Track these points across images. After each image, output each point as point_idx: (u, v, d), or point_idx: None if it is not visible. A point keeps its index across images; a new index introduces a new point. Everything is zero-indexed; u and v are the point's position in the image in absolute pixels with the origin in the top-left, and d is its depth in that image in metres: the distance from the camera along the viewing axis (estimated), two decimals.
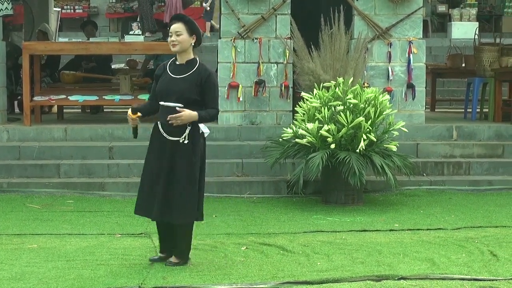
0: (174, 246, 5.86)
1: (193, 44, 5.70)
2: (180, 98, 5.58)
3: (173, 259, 5.83)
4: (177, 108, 5.56)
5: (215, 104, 5.73)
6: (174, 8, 17.70)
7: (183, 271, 5.71)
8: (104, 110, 12.98)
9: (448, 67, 12.91)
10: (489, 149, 9.72)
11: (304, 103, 8.32)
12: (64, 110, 11.65)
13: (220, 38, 9.89)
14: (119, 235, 6.89)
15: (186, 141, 5.61)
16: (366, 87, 8.72)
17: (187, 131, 5.61)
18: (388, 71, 9.85)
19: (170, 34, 5.67)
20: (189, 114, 5.56)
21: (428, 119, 10.31)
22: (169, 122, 5.56)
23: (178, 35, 5.63)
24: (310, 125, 8.03)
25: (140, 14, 18.28)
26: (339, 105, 8.08)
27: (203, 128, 5.72)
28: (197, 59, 5.74)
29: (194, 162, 5.66)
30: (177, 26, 5.66)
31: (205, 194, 8.63)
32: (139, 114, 5.78)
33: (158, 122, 5.72)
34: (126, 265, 5.85)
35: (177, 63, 5.74)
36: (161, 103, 5.65)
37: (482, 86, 11.51)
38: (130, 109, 5.78)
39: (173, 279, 5.50)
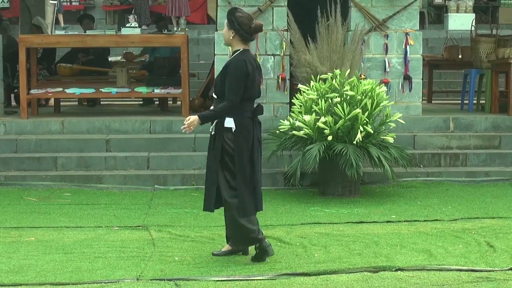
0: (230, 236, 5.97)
1: (232, 37, 5.74)
2: (216, 90, 5.80)
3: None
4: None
5: (228, 95, 5.64)
6: (178, 1, 17.70)
7: (181, 263, 5.73)
8: (101, 102, 12.99)
9: (445, 58, 12.91)
10: (486, 141, 9.73)
11: (301, 95, 8.32)
12: (61, 103, 11.63)
13: (216, 30, 9.88)
14: (117, 228, 6.90)
15: (213, 133, 5.79)
16: (363, 79, 8.72)
17: (213, 124, 5.78)
18: (385, 63, 9.84)
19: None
20: (194, 120, 5.70)
21: (425, 110, 10.31)
22: (181, 128, 5.78)
23: (222, 29, 5.88)
24: (307, 117, 8.03)
25: (135, 7, 18.27)
26: (336, 97, 8.09)
27: (227, 123, 5.71)
28: (240, 50, 5.74)
29: (213, 153, 5.78)
30: (224, 21, 5.85)
31: (203, 187, 8.69)
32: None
33: None
34: (124, 258, 5.86)
35: None
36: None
37: (479, 78, 11.51)
38: None
39: (171, 271, 5.51)
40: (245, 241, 5.85)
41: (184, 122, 5.72)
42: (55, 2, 14.75)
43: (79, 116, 10.33)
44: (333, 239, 6.46)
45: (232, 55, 5.80)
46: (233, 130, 5.70)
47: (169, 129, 9.74)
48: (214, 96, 5.81)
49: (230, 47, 5.97)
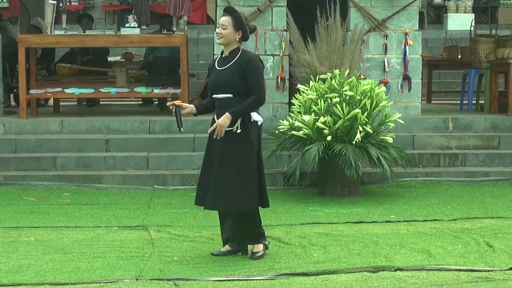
0: (243, 236, 5.90)
1: (238, 39, 5.76)
2: (226, 89, 5.70)
3: (255, 248, 5.88)
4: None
5: (256, 89, 5.70)
6: (181, 0, 17.68)
7: (180, 263, 5.72)
8: (101, 102, 12.99)
9: (444, 58, 12.92)
10: (485, 141, 9.73)
11: (300, 95, 8.32)
12: (60, 103, 11.64)
13: (215, 30, 9.87)
14: (116, 228, 6.90)
15: (238, 131, 5.68)
16: (362, 79, 8.72)
17: (238, 121, 5.69)
18: (384, 63, 9.85)
19: (218, 25, 5.81)
20: (223, 120, 5.64)
21: (424, 110, 10.32)
22: (214, 136, 5.66)
23: (224, 29, 5.74)
24: (306, 117, 8.03)
25: (135, 7, 18.24)
26: (335, 97, 8.09)
27: (255, 116, 5.75)
28: (240, 48, 5.80)
29: (248, 150, 5.71)
30: (224, 20, 5.75)
31: None
32: (178, 101, 5.81)
33: (214, 115, 5.80)
34: (123, 258, 5.86)
35: (223, 56, 5.84)
36: (213, 96, 5.80)
37: (478, 78, 11.52)
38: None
39: (170, 271, 5.51)
40: (261, 235, 5.91)
41: (213, 128, 5.65)
42: (54, 2, 14.74)
43: (78, 116, 10.33)
44: (332, 239, 6.46)
45: (232, 54, 5.74)
46: (259, 123, 5.78)
47: (168, 129, 9.74)
48: (224, 95, 5.70)
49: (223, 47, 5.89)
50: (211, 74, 5.88)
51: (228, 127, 5.65)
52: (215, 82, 5.79)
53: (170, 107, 5.80)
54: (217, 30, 5.80)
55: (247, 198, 5.72)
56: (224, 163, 5.69)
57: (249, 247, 5.95)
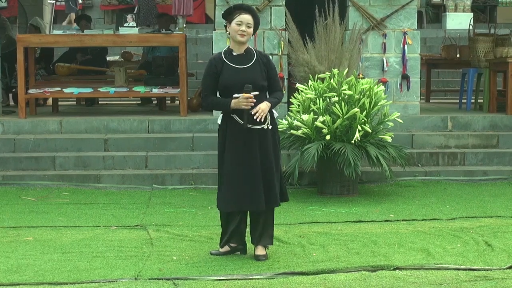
0: (260, 234, 5.84)
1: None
2: (255, 87, 5.67)
3: (261, 251, 5.83)
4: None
5: (279, 85, 5.89)
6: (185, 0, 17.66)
7: (179, 263, 5.72)
8: (99, 102, 12.99)
9: (443, 58, 12.92)
10: (484, 140, 9.73)
11: (299, 94, 8.32)
12: (59, 103, 11.64)
13: (214, 29, 9.88)
14: (115, 227, 6.90)
15: (270, 126, 5.76)
16: (361, 78, 8.72)
17: (268, 117, 5.74)
18: (383, 62, 9.84)
19: (239, 23, 5.67)
20: (265, 105, 5.66)
21: (423, 109, 10.32)
22: (256, 119, 5.62)
23: (249, 27, 5.73)
24: (305, 117, 8.03)
25: (138, 6, 18.18)
26: (334, 96, 8.09)
27: (275, 113, 5.90)
28: (249, 45, 5.86)
29: (278, 145, 5.86)
30: (249, 19, 5.72)
31: (201, 186, 8.78)
32: (252, 95, 5.67)
33: (233, 115, 5.70)
34: (122, 257, 5.86)
35: (234, 53, 5.76)
36: (236, 95, 5.65)
37: (477, 77, 11.52)
38: (244, 90, 5.61)
39: (169, 270, 5.51)
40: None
41: (256, 110, 5.60)
42: (53, 2, 14.75)
43: (77, 116, 10.33)
44: (331, 238, 6.46)
45: (249, 52, 5.76)
46: (276, 117, 5.90)
47: (167, 128, 9.74)
48: (252, 93, 5.64)
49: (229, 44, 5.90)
50: (226, 73, 5.70)
51: (259, 124, 5.67)
52: (241, 81, 5.65)
53: (250, 98, 5.63)
54: (242, 28, 5.64)
55: (284, 191, 5.92)
56: (267, 162, 5.73)
57: (249, 247, 5.95)
